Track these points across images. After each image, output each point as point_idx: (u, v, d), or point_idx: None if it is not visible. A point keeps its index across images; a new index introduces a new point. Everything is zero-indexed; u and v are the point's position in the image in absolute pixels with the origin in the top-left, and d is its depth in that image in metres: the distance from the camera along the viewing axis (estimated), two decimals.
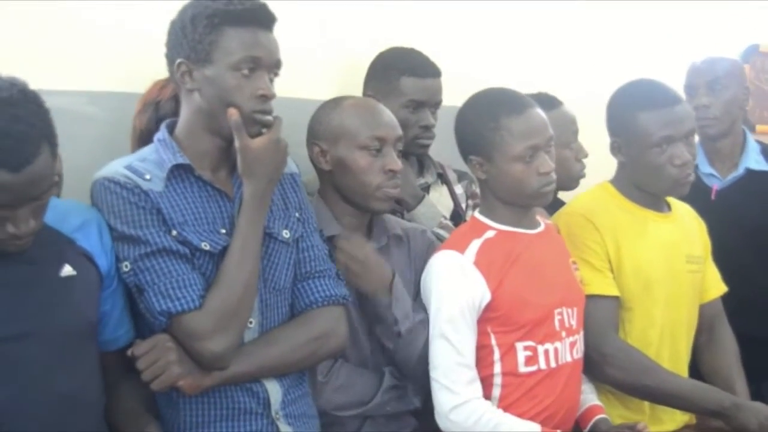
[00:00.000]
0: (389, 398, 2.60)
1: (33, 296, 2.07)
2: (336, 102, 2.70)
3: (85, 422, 2.11)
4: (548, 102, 3.12)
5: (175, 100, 2.65)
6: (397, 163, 2.61)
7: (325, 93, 3.09)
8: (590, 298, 2.78)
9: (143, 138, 2.68)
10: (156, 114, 2.68)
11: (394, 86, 3.08)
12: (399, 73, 3.10)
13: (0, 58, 2.10)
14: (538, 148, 2.59)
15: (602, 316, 2.79)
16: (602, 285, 2.82)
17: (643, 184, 2.91)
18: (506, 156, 2.59)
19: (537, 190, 2.60)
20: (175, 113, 2.62)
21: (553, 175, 2.61)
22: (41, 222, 2.04)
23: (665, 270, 2.88)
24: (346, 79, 3.21)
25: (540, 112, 2.63)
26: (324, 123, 2.66)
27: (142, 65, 2.79)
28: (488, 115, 2.62)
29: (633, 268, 2.85)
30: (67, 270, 2.13)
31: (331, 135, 2.63)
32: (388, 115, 2.67)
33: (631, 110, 2.86)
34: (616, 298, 2.83)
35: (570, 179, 3.26)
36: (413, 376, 2.62)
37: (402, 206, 2.94)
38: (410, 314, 2.59)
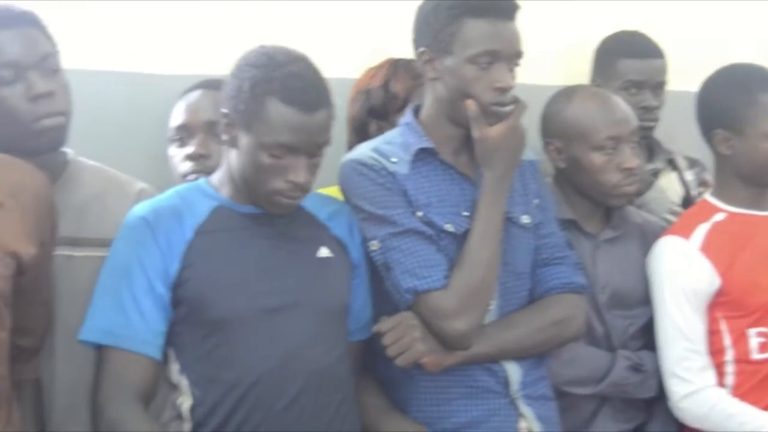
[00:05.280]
0: (630, 381, 2.59)
1: (295, 272, 2.18)
2: (568, 96, 2.68)
3: (337, 396, 2.19)
4: None
5: (385, 88, 2.71)
6: (633, 160, 2.59)
7: (553, 78, 3.11)
8: None
9: (356, 126, 2.74)
10: (367, 102, 2.73)
11: (614, 68, 3.07)
12: (618, 55, 3.09)
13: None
14: None
15: None
16: None
17: None
18: (759, 131, 2.57)
19: None
20: (385, 102, 2.69)
21: None
22: (311, 184, 2.16)
23: None
24: (574, 64, 3.21)
25: None
26: (557, 120, 2.66)
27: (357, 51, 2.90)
28: (743, 89, 2.60)
29: None
30: (324, 252, 2.24)
31: (564, 134, 2.63)
32: (621, 109, 2.65)
33: None
34: None
35: None
36: None
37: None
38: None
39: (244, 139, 2.10)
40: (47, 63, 2.17)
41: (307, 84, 2.09)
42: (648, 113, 3.03)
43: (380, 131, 2.65)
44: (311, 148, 2.11)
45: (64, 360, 2.24)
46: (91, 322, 2.12)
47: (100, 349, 2.11)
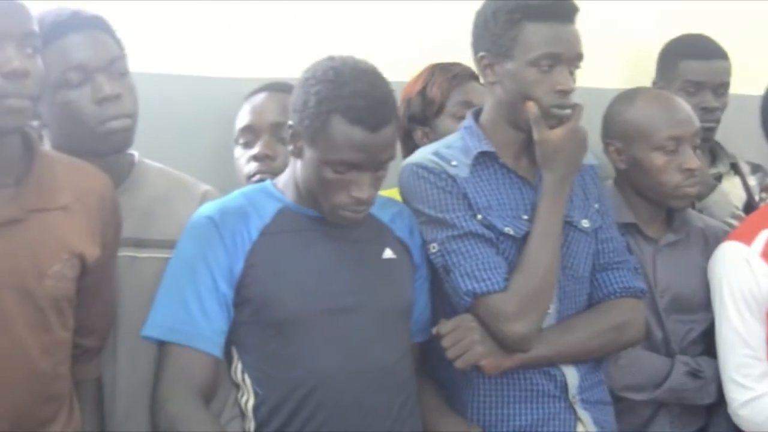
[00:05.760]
0: (688, 387, 2.58)
1: (361, 273, 2.20)
2: (630, 98, 2.69)
3: (400, 397, 2.20)
4: None
5: (422, 95, 2.73)
6: (695, 161, 2.58)
7: (615, 82, 3.11)
8: None
9: (402, 136, 2.71)
10: (408, 111, 2.75)
11: (674, 70, 3.08)
12: (678, 56, 3.10)
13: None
14: None
15: None
16: None
17: None
18: None
19: None
20: (423, 108, 2.72)
21: None
22: (375, 196, 2.17)
23: None
24: (636, 67, 3.22)
25: None
26: (619, 121, 2.66)
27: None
28: None
29: None
30: (389, 253, 2.25)
31: (625, 134, 2.64)
32: (683, 110, 2.64)
33: None
34: None
35: None
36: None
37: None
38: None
39: (309, 153, 2.12)
40: (115, 66, 2.20)
41: (373, 102, 2.08)
42: (708, 114, 3.01)
43: (426, 137, 2.67)
44: (375, 164, 2.11)
45: (127, 361, 2.27)
46: (154, 318, 2.14)
47: (162, 345, 2.14)
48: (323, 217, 2.19)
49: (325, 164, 2.09)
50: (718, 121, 3.06)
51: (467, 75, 2.76)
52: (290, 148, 2.18)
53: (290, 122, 2.15)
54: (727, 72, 3.09)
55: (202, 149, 2.74)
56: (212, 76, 2.78)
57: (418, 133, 2.74)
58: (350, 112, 2.06)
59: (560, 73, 2.28)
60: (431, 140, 2.61)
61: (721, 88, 3.07)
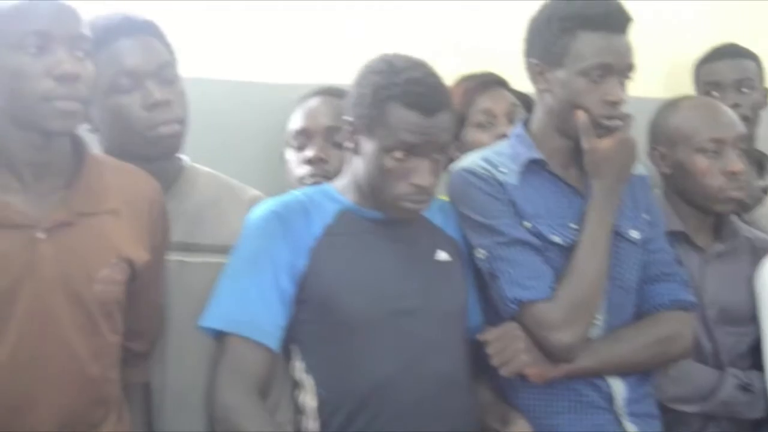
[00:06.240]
0: (739, 401, 2.55)
1: (421, 275, 2.22)
2: (674, 104, 2.69)
3: (456, 401, 2.20)
4: None
5: None
6: (738, 165, 2.56)
7: (661, 91, 3.10)
8: None
9: None
10: None
11: (697, 79, 3.14)
12: (698, 65, 3.16)
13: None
14: None
15: None
16: None
17: None
18: None
19: None
20: None
21: None
22: (436, 185, 2.18)
23: None
24: (682, 76, 3.22)
25: None
26: (662, 126, 2.67)
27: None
28: None
29: None
30: (443, 255, 2.27)
31: (668, 138, 2.63)
32: (726, 114, 2.63)
33: None
34: None
35: None
36: None
37: (740, 207, 2.86)
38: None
39: (368, 145, 2.14)
40: (165, 72, 2.21)
41: (427, 88, 2.12)
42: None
43: (458, 151, 2.66)
44: (433, 148, 2.13)
45: (175, 365, 2.26)
46: (214, 310, 2.15)
47: (220, 336, 2.14)
48: (383, 219, 2.20)
49: (385, 152, 2.12)
50: (746, 119, 3.00)
51: (488, 82, 2.77)
52: (349, 145, 2.19)
53: (347, 118, 2.17)
54: (748, 69, 3.11)
55: (249, 155, 2.75)
56: (260, 81, 2.80)
57: (450, 148, 2.73)
58: (406, 97, 2.09)
59: (611, 84, 2.27)
60: (463, 153, 2.60)
61: (742, 84, 3.08)
